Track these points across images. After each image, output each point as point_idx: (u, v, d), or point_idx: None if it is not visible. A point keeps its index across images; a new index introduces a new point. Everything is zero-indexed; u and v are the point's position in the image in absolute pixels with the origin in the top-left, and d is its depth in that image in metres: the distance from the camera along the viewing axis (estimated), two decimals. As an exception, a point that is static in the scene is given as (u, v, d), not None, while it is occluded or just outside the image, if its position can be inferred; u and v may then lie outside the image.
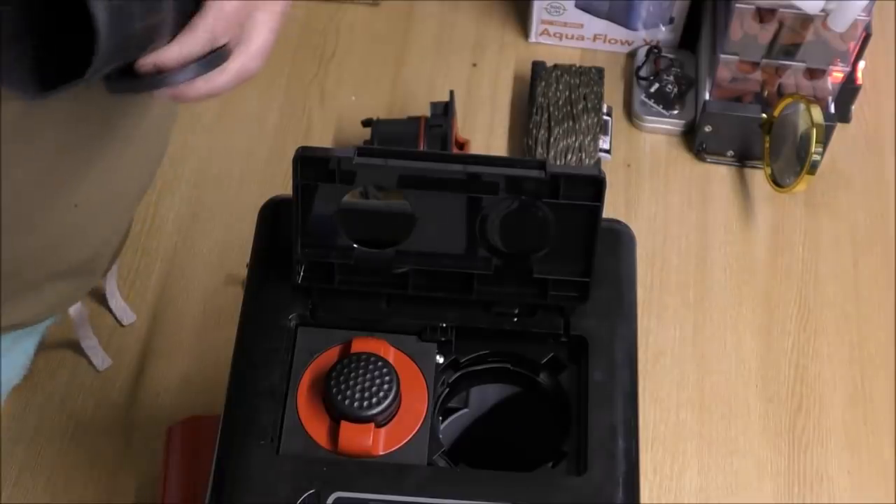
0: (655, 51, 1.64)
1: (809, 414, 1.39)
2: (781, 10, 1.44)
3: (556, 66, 1.60)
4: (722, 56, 1.50)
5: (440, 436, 0.85)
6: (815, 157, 1.43)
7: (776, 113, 1.51)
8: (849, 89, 1.56)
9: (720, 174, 1.58)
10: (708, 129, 1.55)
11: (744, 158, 1.58)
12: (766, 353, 1.44)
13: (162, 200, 1.52)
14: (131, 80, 0.76)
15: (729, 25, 1.47)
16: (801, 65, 1.50)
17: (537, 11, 1.65)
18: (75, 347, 1.36)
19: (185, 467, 1.19)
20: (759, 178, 1.57)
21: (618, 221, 0.92)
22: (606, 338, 0.86)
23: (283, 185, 1.47)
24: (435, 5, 1.72)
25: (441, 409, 0.87)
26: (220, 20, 0.76)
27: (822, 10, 1.43)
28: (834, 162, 1.58)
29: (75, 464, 1.32)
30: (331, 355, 0.84)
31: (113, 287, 1.39)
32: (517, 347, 0.87)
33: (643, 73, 1.63)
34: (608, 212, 0.82)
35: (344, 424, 0.80)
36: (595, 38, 1.67)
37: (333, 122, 1.60)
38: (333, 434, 0.81)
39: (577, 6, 1.64)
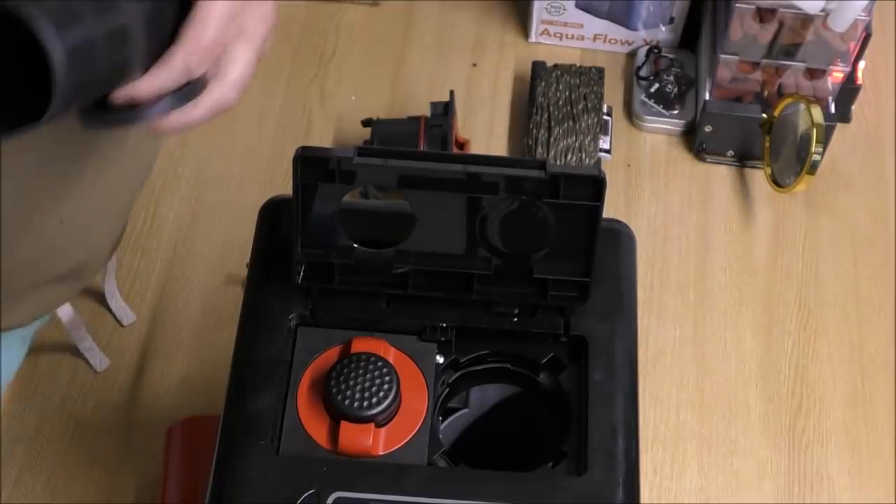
0: (655, 51, 1.64)
1: (809, 414, 1.39)
2: (781, 10, 1.44)
3: (556, 66, 1.60)
4: (722, 56, 1.50)
5: (440, 436, 0.85)
6: (815, 157, 1.43)
7: (776, 113, 1.51)
8: (849, 89, 1.56)
9: (720, 174, 1.58)
10: (708, 129, 1.55)
11: (744, 158, 1.58)
12: (766, 353, 1.44)
13: (162, 200, 1.52)
14: (105, 113, 0.73)
15: (729, 25, 1.47)
16: (801, 65, 1.50)
17: (537, 11, 1.65)
18: (74, 349, 1.36)
19: (185, 467, 1.19)
20: (759, 178, 1.57)
21: (618, 221, 0.92)
22: (606, 338, 0.86)
23: (283, 185, 1.47)
24: (435, 5, 1.72)
25: (441, 409, 0.87)
26: (196, 53, 0.73)
27: (822, 10, 1.43)
28: (834, 162, 1.58)
29: (75, 464, 1.32)
30: (331, 355, 0.84)
31: (112, 287, 1.39)
32: (517, 347, 0.87)
33: (643, 73, 1.63)
34: (608, 212, 0.82)
35: (344, 424, 0.80)
36: (595, 38, 1.67)
37: (333, 122, 1.60)
38: (333, 434, 0.81)
39: (577, 6, 1.64)
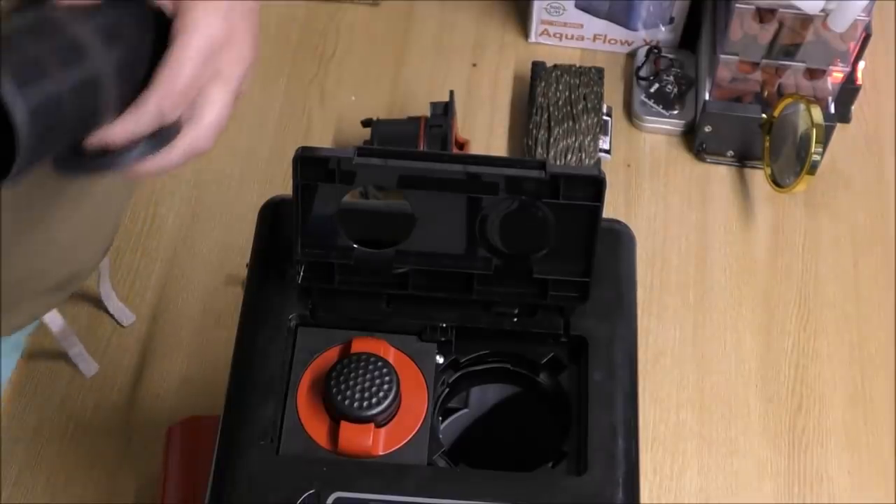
0: (655, 51, 1.64)
1: (809, 414, 1.39)
2: (781, 10, 1.44)
3: (556, 67, 1.59)
4: (722, 56, 1.50)
5: (440, 436, 0.85)
6: (815, 158, 1.43)
7: (776, 113, 1.51)
8: (849, 89, 1.56)
9: (720, 174, 1.58)
10: (708, 129, 1.55)
11: (744, 158, 1.58)
12: (766, 353, 1.43)
13: (162, 200, 1.52)
14: (79, 160, 0.71)
15: (729, 25, 1.47)
16: (801, 65, 1.50)
17: (537, 11, 1.65)
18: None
19: (185, 467, 1.19)
20: (759, 178, 1.57)
21: (618, 221, 0.92)
22: (606, 338, 0.86)
23: (283, 185, 1.47)
24: (435, 5, 1.72)
25: (441, 409, 0.87)
26: (170, 97, 0.71)
27: (822, 10, 1.43)
28: (834, 162, 1.58)
29: (75, 464, 1.32)
30: (331, 355, 0.84)
31: (108, 290, 1.38)
32: (517, 347, 0.87)
33: (643, 73, 1.63)
34: (608, 212, 0.82)
35: (344, 424, 0.80)
36: (595, 38, 1.67)
37: (333, 122, 1.60)
38: (333, 434, 0.81)
39: (577, 6, 1.64)
